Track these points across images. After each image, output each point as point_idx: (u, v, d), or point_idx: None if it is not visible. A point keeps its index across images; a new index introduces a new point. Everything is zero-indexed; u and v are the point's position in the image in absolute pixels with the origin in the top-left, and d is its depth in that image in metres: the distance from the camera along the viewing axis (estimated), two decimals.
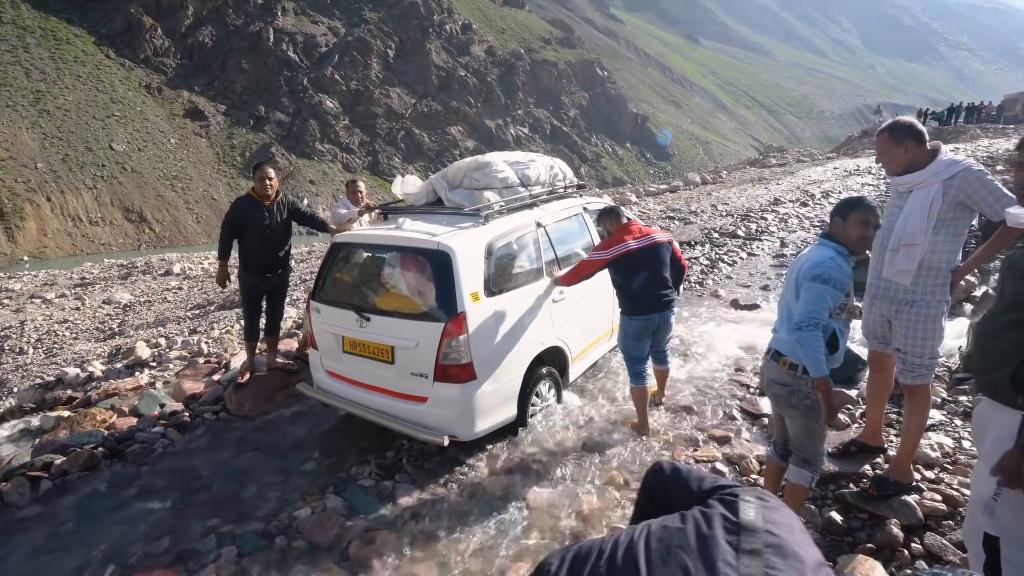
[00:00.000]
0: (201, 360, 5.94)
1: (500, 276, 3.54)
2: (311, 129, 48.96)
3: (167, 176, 41.02)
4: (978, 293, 5.15)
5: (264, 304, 4.82)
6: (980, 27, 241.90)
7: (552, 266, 3.90)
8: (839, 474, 2.99)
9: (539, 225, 3.92)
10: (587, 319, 4.24)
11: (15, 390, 6.41)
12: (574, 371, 4.15)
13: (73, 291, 13.85)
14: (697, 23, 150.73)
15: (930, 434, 3.18)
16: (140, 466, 3.86)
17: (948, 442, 3.15)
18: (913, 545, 2.49)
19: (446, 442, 3.25)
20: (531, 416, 3.69)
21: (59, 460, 3.84)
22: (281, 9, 53.87)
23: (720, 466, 3.27)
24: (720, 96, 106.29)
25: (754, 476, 3.16)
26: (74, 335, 9.51)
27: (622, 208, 3.95)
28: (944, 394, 3.70)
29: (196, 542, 3.02)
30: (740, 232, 9.77)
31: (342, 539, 2.91)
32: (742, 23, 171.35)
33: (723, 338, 5.14)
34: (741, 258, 8.35)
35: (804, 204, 12.13)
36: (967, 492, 2.59)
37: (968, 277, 5.19)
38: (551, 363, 3.86)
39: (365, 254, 3.89)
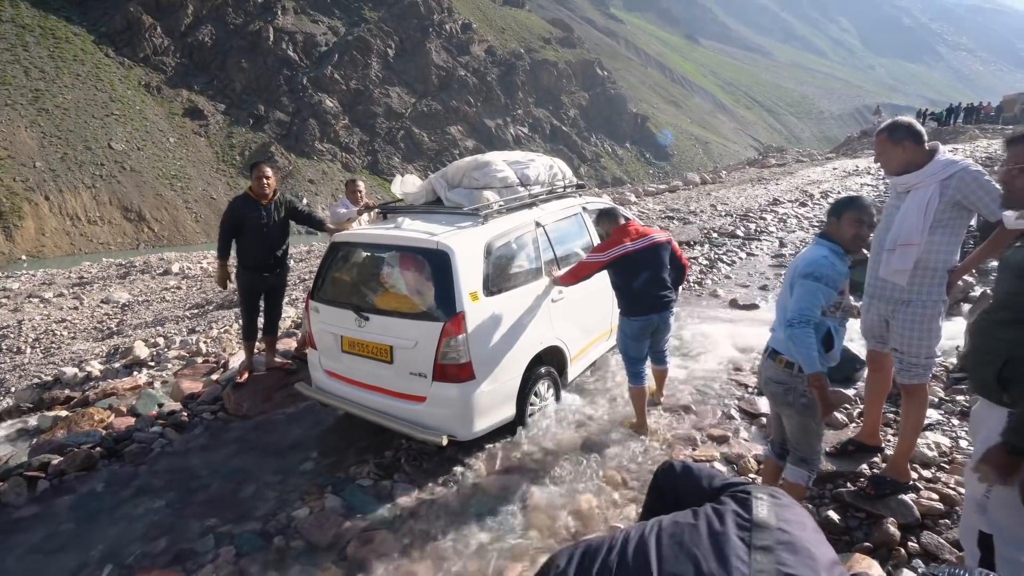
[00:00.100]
0: (199, 360, 5.93)
1: (499, 276, 3.54)
2: (311, 128, 48.91)
3: (166, 175, 40.96)
4: (976, 293, 5.16)
5: (262, 303, 4.81)
6: (979, 28, 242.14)
7: (551, 266, 3.90)
8: (837, 473, 2.99)
9: (538, 225, 3.93)
10: (586, 319, 4.24)
11: (12, 390, 6.40)
12: (573, 371, 4.15)
13: (71, 290, 13.84)
14: (697, 23, 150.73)
15: (927, 433, 3.19)
16: (138, 466, 3.85)
17: (945, 441, 3.16)
18: (910, 544, 2.49)
19: (445, 442, 3.25)
20: (530, 416, 3.69)
21: (56, 460, 3.84)
22: (281, 8, 53.79)
23: (718, 465, 3.27)
24: (720, 96, 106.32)
25: (752, 475, 3.17)
26: (72, 335, 9.51)
27: (620, 209, 3.95)
28: (941, 394, 3.71)
29: (194, 542, 3.02)
30: (739, 232, 9.77)
31: (340, 539, 2.91)
32: (742, 23, 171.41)
33: (721, 338, 5.14)
34: (740, 258, 8.35)
35: (803, 204, 12.14)
36: (964, 491, 2.59)
37: (966, 277, 5.20)
38: (550, 363, 3.86)
39: (364, 253, 3.89)
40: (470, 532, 2.88)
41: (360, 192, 5.36)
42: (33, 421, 4.82)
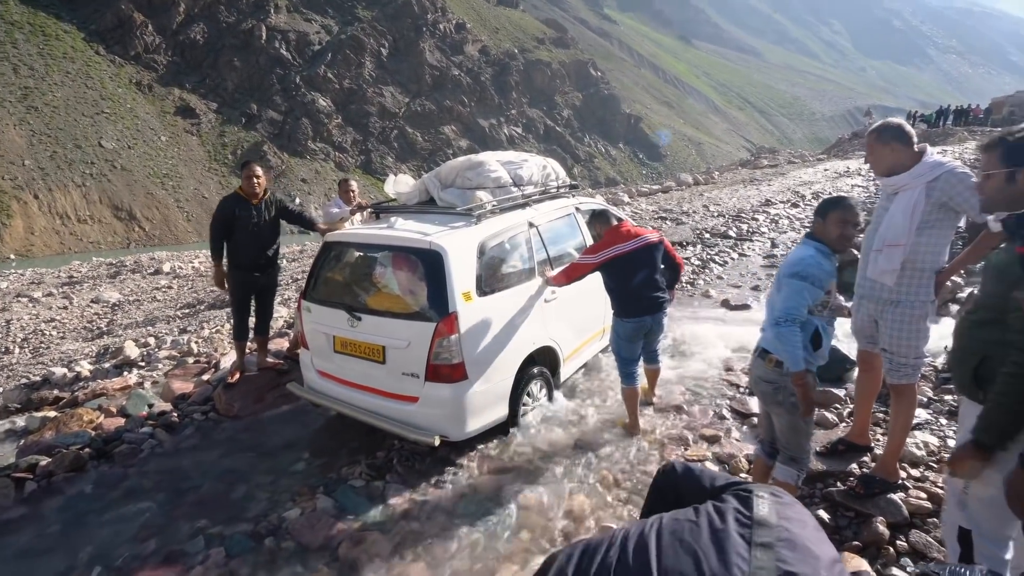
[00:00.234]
0: (191, 360, 5.89)
1: (492, 276, 3.54)
2: (303, 128, 48.71)
3: (157, 174, 40.65)
4: (964, 294, 5.21)
5: (253, 303, 4.79)
6: (969, 31, 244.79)
7: (544, 266, 3.91)
8: (826, 472, 3.01)
9: (531, 225, 3.93)
10: (579, 319, 4.25)
11: (0, 390, 6.33)
12: (565, 371, 4.15)
13: (61, 290, 13.70)
14: (690, 24, 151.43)
15: (916, 433, 3.22)
16: (127, 467, 3.82)
17: (933, 440, 3.19)
18: (899, 542, 2.52)
19: (437, 442, 3.24)
20: (522, 416, 3.69)
21: (45, 461, 3.80)
22: (274, 6, 53.53)
23: (710, 465, 3.29)
24: (712, 97, 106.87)
25: (743, 475, 3.18)
26: (61, 334, 9.42)
27: (612, 210, 3.96)
28: (930, 393, 3.75)
29: (184, 543, 2.99)
30: (731, 233, 9.83)
31: (332, 540, 2.90)
32: (735, 25, 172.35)
33: (713, 338, 5.16)
34: (732, 258, 8.40)
35: (795, 205, 12.23)
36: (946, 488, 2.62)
37: (954, 278, 5.26)
38: (543, 363, 3.86)
39: (357, 253, 3.87)
40: (462, 533, 2.87)
41: (353, 192, 5.34)
42: (21, 422, 4.76)
